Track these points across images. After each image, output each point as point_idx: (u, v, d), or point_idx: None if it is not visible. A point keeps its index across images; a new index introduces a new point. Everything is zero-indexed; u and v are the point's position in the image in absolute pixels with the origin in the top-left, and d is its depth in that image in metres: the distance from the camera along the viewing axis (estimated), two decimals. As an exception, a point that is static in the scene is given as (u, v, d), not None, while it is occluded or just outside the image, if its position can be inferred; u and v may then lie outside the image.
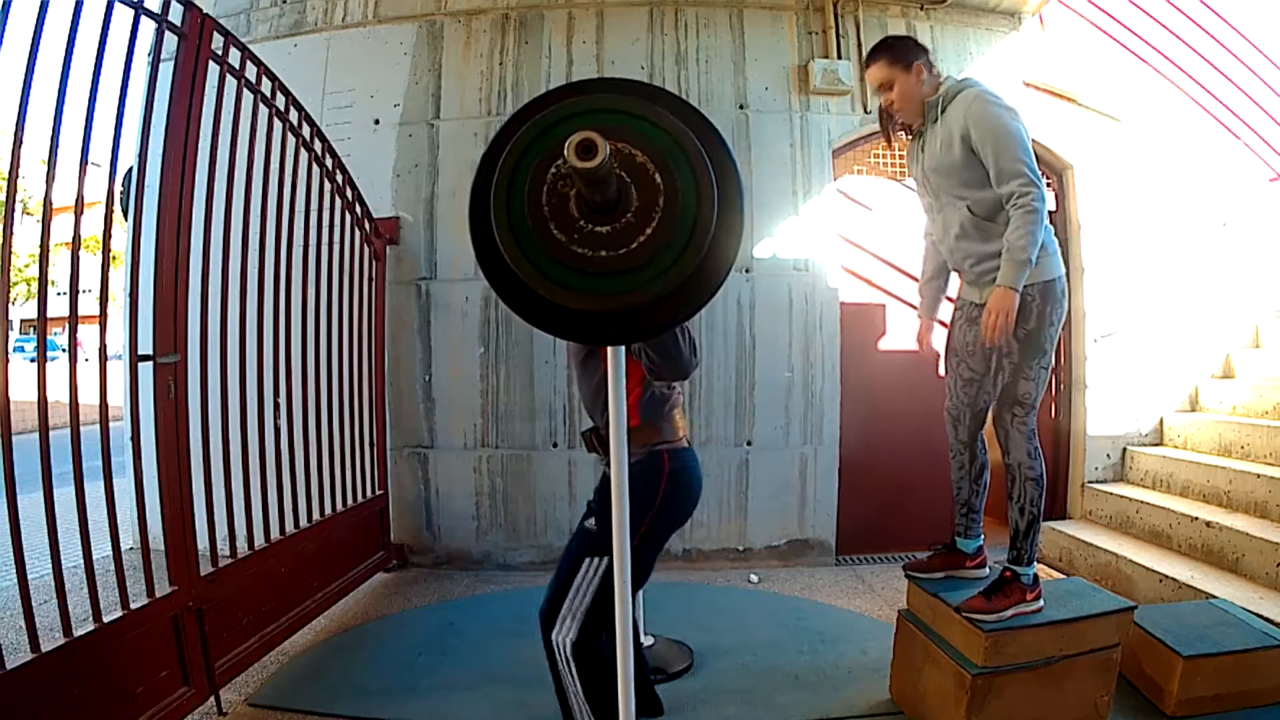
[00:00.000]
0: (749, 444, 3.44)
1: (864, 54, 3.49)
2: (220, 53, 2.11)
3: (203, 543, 2.01)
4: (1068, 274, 3.58)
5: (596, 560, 1.61)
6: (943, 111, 1.86)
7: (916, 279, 2.20)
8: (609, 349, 1.28)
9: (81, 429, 1.66)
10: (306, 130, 2.66)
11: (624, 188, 1.05)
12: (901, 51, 1.89)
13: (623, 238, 1.05)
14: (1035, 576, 1.84)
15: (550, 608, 1.65)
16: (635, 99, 1.10)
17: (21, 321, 19.30)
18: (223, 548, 2.18)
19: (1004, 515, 1.94)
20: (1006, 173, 1.76)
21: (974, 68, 3.54)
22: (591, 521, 1.68)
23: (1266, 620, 2.14)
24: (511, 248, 1.05)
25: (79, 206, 1.69)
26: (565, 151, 0.92)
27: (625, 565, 1.31)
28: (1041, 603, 1.83)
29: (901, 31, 3.57)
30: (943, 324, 2.17)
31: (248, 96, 2.32)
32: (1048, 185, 3.55)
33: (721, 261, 1.07)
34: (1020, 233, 1.73)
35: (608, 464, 1.63)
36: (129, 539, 2.10)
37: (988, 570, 2.04)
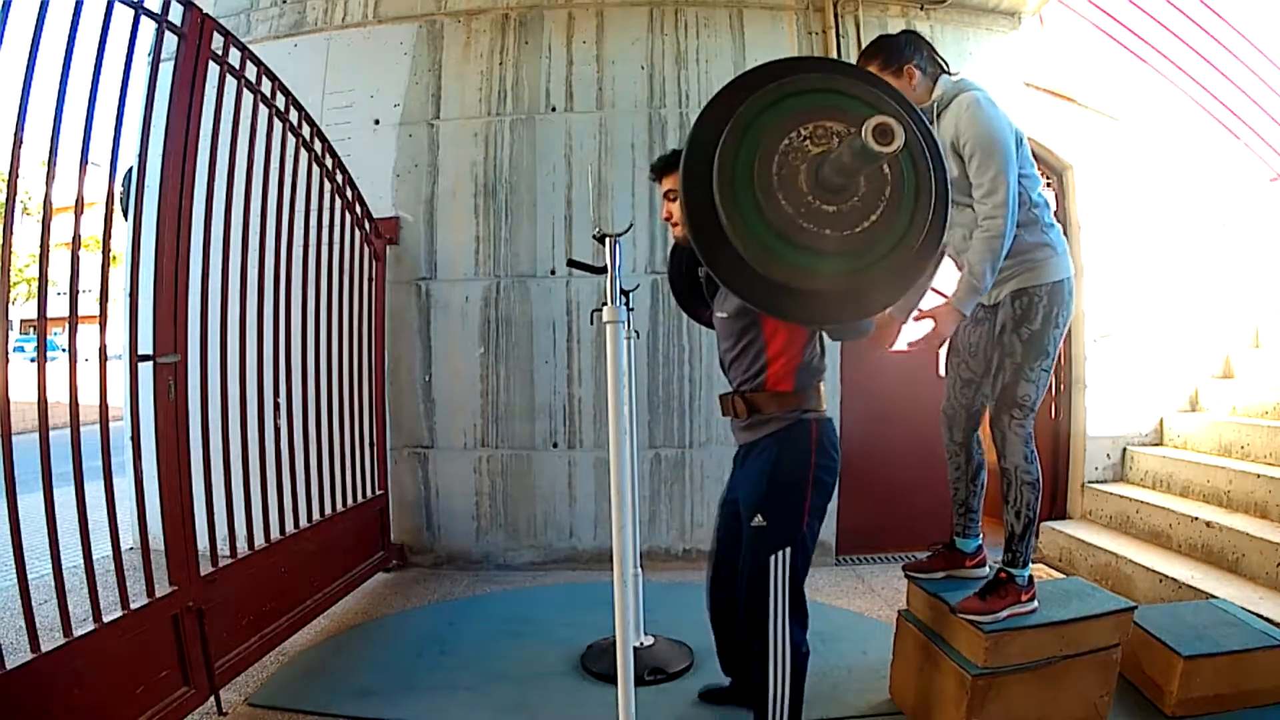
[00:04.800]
0: (749, 444, 3.43)
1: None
2: (220, 53, 2.11)
3: (203, 543, 2.01)
4: (1067, 274, 3.65)
5: (780, 554, 1.59)
6: (938, 117, 1.80)
7: None
8: (609, 328, 1.29)
9: (81, 429, 1.65)
10: (306, 130, 2.66)
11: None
12: (893, 54, 1.79)
13: (848, 220, 1.06)
14: (1030, 578, 1.84)
15: (751, 618, 1.62)
16: (867, 86, 1.13)
17: (21, 321, 19.29)
18: (223, 548, 2.18)
19: (1001, 517, 1.93)
20: (985, 189, 1.69)
21: (974, 67, 3.53)
22: (759, 518, 1.62)
23: (1266, 620, 2.15)
24: (732, 211, 1.06)
25: (79, 206, 1.69)
26: (863, 134, 0.92)
27: (626, 559, 1.31)
28: (1036, 604, 1.83)
29: (901, 31, 3.58)
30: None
31: (248, 96, 2.31)
32: (1047, 185, 3.57)
33: (931, 247, 1.11)
34: (981, 257, 1.68)
35: (746, 428, 1.70)
36: (129, 539, 2.10)
37: (987, 569, 2.03)
